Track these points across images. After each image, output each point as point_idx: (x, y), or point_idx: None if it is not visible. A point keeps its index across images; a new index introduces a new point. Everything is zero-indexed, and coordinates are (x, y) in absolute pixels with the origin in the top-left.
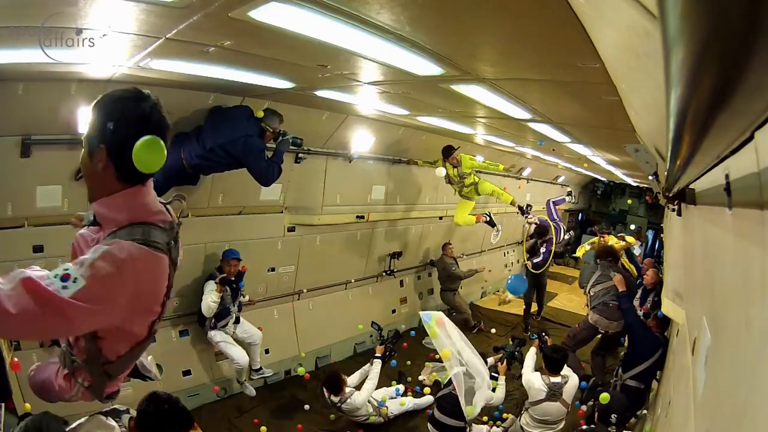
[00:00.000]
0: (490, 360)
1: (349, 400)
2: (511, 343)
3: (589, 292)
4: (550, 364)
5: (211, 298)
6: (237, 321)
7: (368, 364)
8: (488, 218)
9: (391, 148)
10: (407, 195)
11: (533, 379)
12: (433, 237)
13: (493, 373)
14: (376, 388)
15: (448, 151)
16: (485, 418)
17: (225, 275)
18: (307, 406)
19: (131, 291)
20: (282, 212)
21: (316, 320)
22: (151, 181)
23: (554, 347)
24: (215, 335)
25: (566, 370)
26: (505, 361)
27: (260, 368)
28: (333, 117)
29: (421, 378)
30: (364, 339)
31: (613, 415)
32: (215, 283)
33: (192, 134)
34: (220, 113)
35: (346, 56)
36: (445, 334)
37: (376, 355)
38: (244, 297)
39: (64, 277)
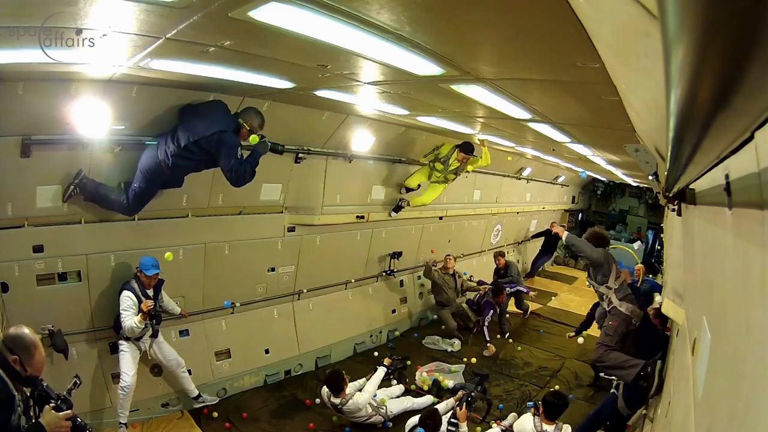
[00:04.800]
0: (448, 402)
1: (351, 401)
2: (470, 382)
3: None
4: (549, 409)
5: (134, 323)
6: (155, 335)
7: (367, 378)
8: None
9: (391, 148)
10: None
11: (524, 423)
12: (433, 237)
13: (452, 419)
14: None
15: (470, 148)
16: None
17: (151, 304)
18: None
19: None
20: (282, 212)
21: (316, 320)
22: None
23: (556, 393)
24: (122, 344)
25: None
26: (464, 404)
27: (198, 395)
28: (333, 117)
29: (416, 380)
30: (364, 339)
31: None
32: (141, 312)
33: (168, 133)
34: (193, 109)
35: (346, 56)
36: None
37: (384, 363)
38: (161, 307)
39: None
